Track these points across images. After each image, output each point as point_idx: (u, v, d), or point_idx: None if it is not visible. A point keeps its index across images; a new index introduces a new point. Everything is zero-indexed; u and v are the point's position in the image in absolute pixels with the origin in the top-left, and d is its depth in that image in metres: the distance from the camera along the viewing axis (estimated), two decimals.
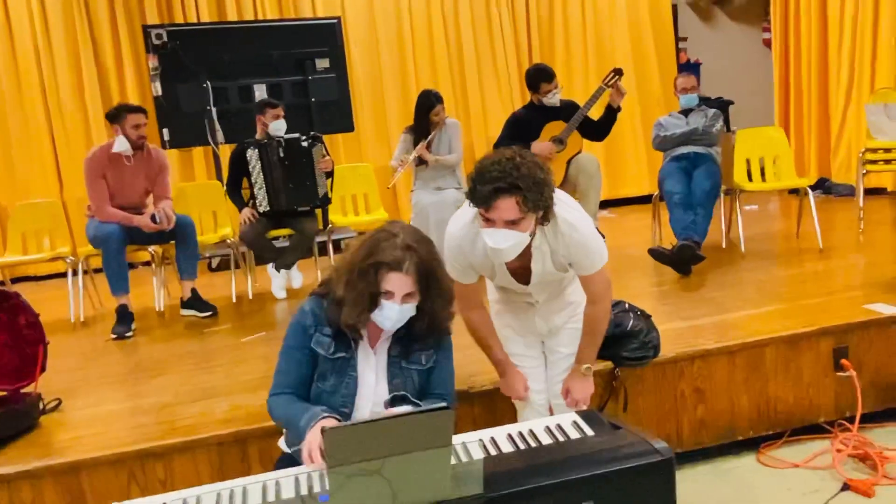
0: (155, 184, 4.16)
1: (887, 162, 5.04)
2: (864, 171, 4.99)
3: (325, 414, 1.79)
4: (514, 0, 7.14)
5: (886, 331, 3.03)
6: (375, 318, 1.86)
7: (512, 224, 1.94)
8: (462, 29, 6.98)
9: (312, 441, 1.69)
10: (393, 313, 1.83)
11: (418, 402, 1.89)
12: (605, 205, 6.51)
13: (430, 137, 4.46)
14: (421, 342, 1.94)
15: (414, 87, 6.64)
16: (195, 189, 5.14)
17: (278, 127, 4.30)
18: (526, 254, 2.11)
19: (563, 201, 2.12)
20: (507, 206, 1.91)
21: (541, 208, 1.97)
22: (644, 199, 6.32)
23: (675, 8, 7.81)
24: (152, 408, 2.77)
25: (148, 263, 4.77)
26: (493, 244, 1.97)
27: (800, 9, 6.78)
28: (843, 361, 2.94)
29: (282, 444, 2.03)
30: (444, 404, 1.44)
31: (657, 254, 4.13)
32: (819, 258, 4.27)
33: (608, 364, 2.71)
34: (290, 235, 4.40)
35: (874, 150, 5.01)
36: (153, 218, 3.96)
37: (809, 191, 4.55)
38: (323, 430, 1.38)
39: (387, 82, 6.82)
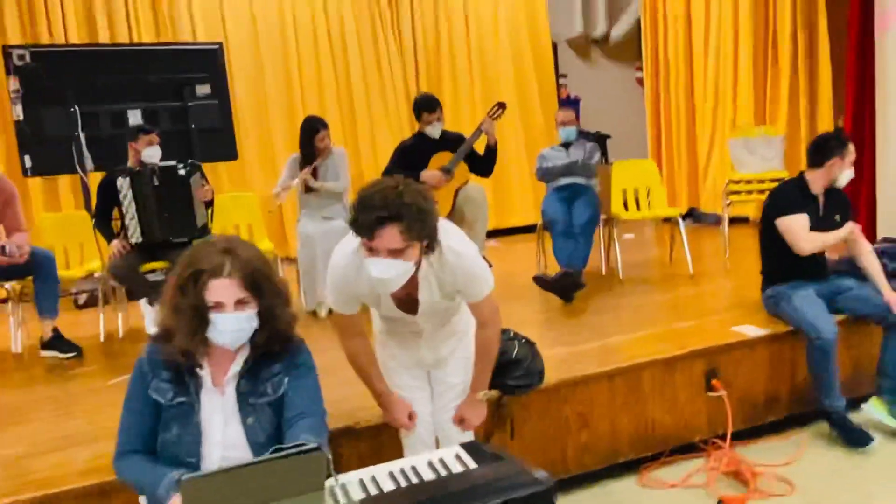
0: (4, 216, 3.83)
1: (749, 193, 5.43)
2: (729, 202, 5.35)
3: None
4: (401, 30, 7.22)
5: (752, 351, 3.22)
6: (212, 337, 1.73)
7: (396, 253, 1.91)
8: (350, 57, 6.97)
9: None
10: (228, 324, 1.71)
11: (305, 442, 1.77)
12: (492, 234, 6.61)
13: (315, 164, 4.38)
14: (268, 366, 1.82)
15: (301, 114, 6.52)
16: (60, 220, 4.78)
17: (152, 154, 4.08)
18: (412, 283, 2.08)
19: (447, 230, 2.10)
20: (391, 236, 1.87)
21: (425, 237, 1.95)
22: (529, 229, 6.48)
23: (555, 46, 8.16)
24: (3, 461, 2.50)
25: (5, 301, 4.38)
26: (378, 274, 1.93)
27: (668, 51, 7.25)
28: (714, 382, 3.09)
29: (143, 501, 1.85)
30: (314, 445, 1.36)
31: (541, 281, 4.22)
32: (690, 283, 4.51)
33: (494, 393, 2.71)
34: (166, 269, 4.16)
35: (737, 182, 5.39)
36: (2, 250, 3.63)
37: (680, 220, 4.82)
38: (179, 482, 1.26)
39: (272, 110, 6.68)
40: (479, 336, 2.29)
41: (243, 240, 1.82)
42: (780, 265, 3.24)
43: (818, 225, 3.24)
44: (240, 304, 1.72)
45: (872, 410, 3.13)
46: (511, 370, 2.73)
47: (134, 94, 5.26)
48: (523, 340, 2.82)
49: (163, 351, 1.76)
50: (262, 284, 1.75)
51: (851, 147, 3.25)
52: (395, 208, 1.85)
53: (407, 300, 2.16)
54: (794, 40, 6.00)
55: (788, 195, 3.28)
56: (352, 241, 2.05)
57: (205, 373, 1.80)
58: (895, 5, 4.57)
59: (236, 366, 1.81)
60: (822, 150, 3.26)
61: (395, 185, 1.90)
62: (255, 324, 1.76)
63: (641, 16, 7.50)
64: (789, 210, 3.20)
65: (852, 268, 3.45)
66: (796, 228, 3.17)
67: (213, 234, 1.84)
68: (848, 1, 5.00)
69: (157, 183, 4.02)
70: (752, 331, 3.27)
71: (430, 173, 4.31)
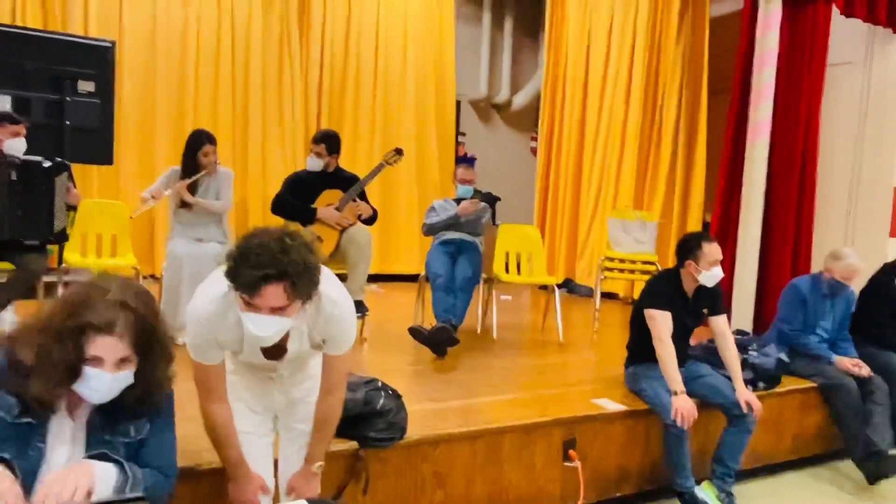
0: None
1: (621, 271, 5.68)
2: (602, 277, 5.57)
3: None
4: (308, 61, 7.15)
5: (609, 425, 3.29)
6: (78, 390, 1.58)
7: (277, 311, 1.80)
8: (251, 77, 6.80)
9: None
10: (102, 384, 1.57)
11: (120, 460, 1.62)
12: (374, 278, 6.54)
13: (195, 177, 4.13)
14: (132, 410, 1.68)
15: (190, 127, 6.20)
16: None
17: (15, 146, 3.72)
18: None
19: (326, 276, 2.01)
20: (275, 294, 1.77)
21: (308, 296, 1.86)
22: (412, 278, 6.47)
23: (458, 104, 8.35)
24: None
25: None
26: (257, 332, 1.81)
27: (563, 126, 7.60)
28: (571, 452, 3.12)
29: None
30: (139, 494, 1.22)
31: (416, 333, 4.18)
32: (559, 351, 4.61)
33: (353, 444, 2.60)
34: (10, 271, 3.78)
35: (612, 260, 5.63)
36: None
37: (556, 288, 4.96)
38: None
39: (160, 118, 6.37)
40: (323, 403, 2.17)
41: (136, 285, 1.66)
42: (645, 346, 3.37)
43: (686, 319, 3.40)
44: (122, 362, 1.58)
45: (703, 493, 3.27)
46: (374, 422, 2.64)
47: (5, 78, 4.84)
48: (390, 392, 2.74)
49: (10, 377, 1.56)
50: (151, 346, 1.61)
51: (708, 249, 3.26)
52: (281, 266, 1.74)
53: (273, 349, 2.04)
54: (676, 134, 6.45)
55: (659, 288, 3.41)
56: (219, 283, 1.90)
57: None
58: (766, 119, 5.02)
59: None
60: (679, 252, 3.39)
61: (281, 239, 1.78)
62: (129, 382, 1.61)
63: (542, 89, 7.84)
64: (657, 304, 3.31)
65: (707, 354, 3.64)
66: (657, 326, 3.28)
67: (100, 274, 1.64)
68: (728, 105, 5.44)
69: (14, 177, 3.67)
70: (611, 405, 3.36)
71: (327, 211, 4.21)
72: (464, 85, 8.36)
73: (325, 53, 7.24)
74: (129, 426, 1.69)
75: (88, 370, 1.55)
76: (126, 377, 1.60)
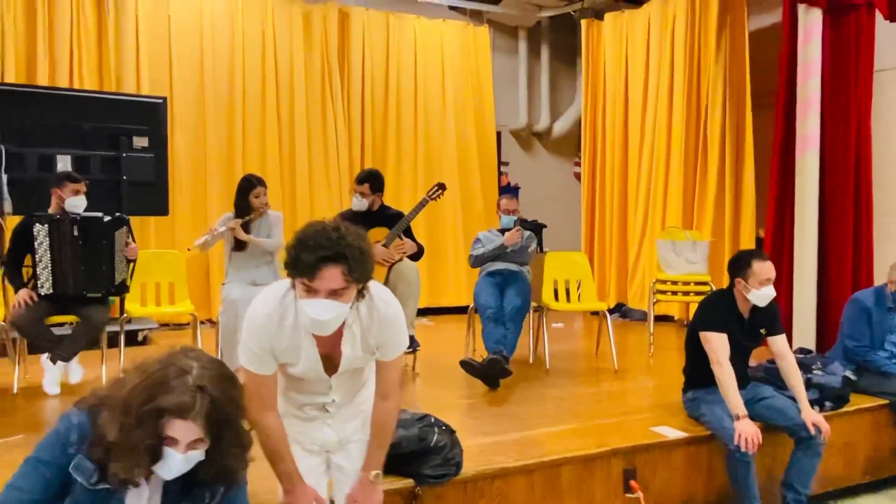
0: None
1: (674, 293, 5.58)
2: (655, 300, 5.47)
3: None
4: (350, 101, 7.31)
5: (670, 454, 3.21)
6: (156, 469, 1.62)
7: (335, 294, 1.87)
8: (296, 121, 6.98)
9: None
10: (175, 463, 1.60)
11: None
12: (423, 312, 6.58)
13: (248, 218, 4.26)
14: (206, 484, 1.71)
15: (240, 176, 6.38)
16: None
17: (76, 204, 3.91)
18: (337, 334, 2.03)
19: (374, 283, 2.08)
20: (333, 276, 1.85)
21: (364, 280, 1.93)
22: (462, 310, 6.47)
23: (499, 134, 8.41)
24: None
25: None
26: (315, 315, 1.88)
27: (605, 149, 7.57)
28: (632, 483, 3.05)
29: None
30: None
31: (468, 366, 4.17)
32: (614, 378, 4.54)
33: (409, 482, 2.60)
34: (75, 323, 3.93)
35: (664, 282, 5.54)
36: None
37: (608, 314, 4.89)
38: None
39: (211, 167, 6.58)
40: (379, 409, 2.19)
41: (220, 369, 1.67)
42: (703, 369, 3.28)
43: (743, 339, 3.30)
44: (195, 443, 1.61)
45: None
46: (429, 459, 2.63)
47: (66, 139, 5.11)
48: (444, 428, 2.74)
49: (94, 452, 1.59)
50: (223, 433, 1.63)
51: (759, 267, 3.16)
52: (338, 248, 1.84)
53: (329, 356, 2.08)
54: (722, 150, 6.35)
55: (713, 309, 3.32)
56: (278, 287, 2.01)
57: None
58: (814, 130, 4.91)
59: None
60: (730, 270, 3.30)
61: (337, 226, 1.89)
62: (200, 458, 1.64)
63: (583, 114, 7.84)
64: (711, 326, 3.23)
65: (769, 375, 3.53)
66: (714, 349, 3.19)
67: (183, 348, 1.68)
68: (773, 117, 5.34)
69: (76, 233, 3.85)
70: (671, 432, 3.28)
71: (377, 248, 4.28)
72: (504, 115, 8.42)
73: (366, 93, 7.40)
74: (204, 491, 1.71)
75: (165, 450, 1.59)
76: (197, 456, 1.63)
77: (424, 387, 4.26)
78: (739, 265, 3.26)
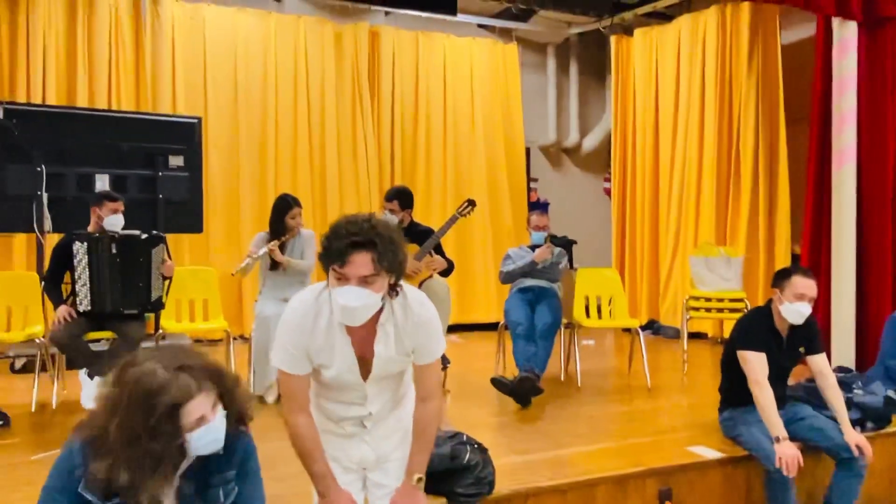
0: None
1: (708, 310, 5.50)
2: (688, 317, 5.40)
3: None
4: (380, 119, 7.37)
5: (706, 474, 3.15)
6: (195, 454, 1.70)
7: (366, 282, 1.91)
8: (327, 142, 7.06)
9: None
10: (213, 433, 1.68)
11: None
12: (453, 329, 6.57)
13: (283, 238, 4.32)
14: (219, 470, 1.75)
15: (273, 193, 6.51)
16: (9, 279, 4.61)
17: (114, 222, 4.00)
18: (370, 333, 2.05)
19: (410, 287, 2.12)
20: (363, 262, 1.90)
21: (393, 270, 1.97)
22: (492, 326, 6.45)
23: (528, 150, 8.40)
24: None
25: None
26: (345, 302, 1.92)
27: (636, 165, 7.51)
28: (668, 503, 3.00)
29: None
30: None
31: (499, 384, 4.15)
32: (648, 396, 4.47)
33: (441, 501, 2.59)
34: (112, 339, 4.00)
35: (697, 298, 5.46)
36: None
37: (640, 331, 4.84)
38: None
39: (244, 186, 6.68)
40: (420, 412, 2.20)
41: (177, 348, 1.78)
42: (740, 389, 3.22)
43: (781, 358, 3.24)
44: (213, 409, 1.70)
45: None
46: (461, 478, 2.61)
47: (104, 159, 5.22)
48: (475, 446, 2.72)
49: (95, 475, 1.61)
50: (224, 383, 1.74)
51: (797, 280, 3.10)
52: (367, 235, 1.89)
53: (362, 355, 2.09)
54: (756, 164, 6.25)
55: (752, 328, 3.25)
56: (313, 288, 2.08)
57: None
58: (850, 144, 4.82)
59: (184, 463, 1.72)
60: (772, 282, 3.27)
61: (368, 217, 1.96)
62: (225, 422, 1.73)
63: (612, 129, 7.80)
64: (750, 345, 3.17)
65: (808, 394, 3.45)
66: (752, 368, 3.13)
67: (128, 359, 1.73)
68: (807, 131, 5.26)
69: (114, 251, 3.93)
70: (707, 452, 3.22)
71: (410, 262, 4.29)
72: (533, 131, 8.42)
73: (396, 112, 7.46)
74: (218, 491, 1.74)
75: (195, 434, 1.64)
76: (222, 414, 1.71)
77: (455, 404, 4.25)
78: (780, 276, 3.22)
